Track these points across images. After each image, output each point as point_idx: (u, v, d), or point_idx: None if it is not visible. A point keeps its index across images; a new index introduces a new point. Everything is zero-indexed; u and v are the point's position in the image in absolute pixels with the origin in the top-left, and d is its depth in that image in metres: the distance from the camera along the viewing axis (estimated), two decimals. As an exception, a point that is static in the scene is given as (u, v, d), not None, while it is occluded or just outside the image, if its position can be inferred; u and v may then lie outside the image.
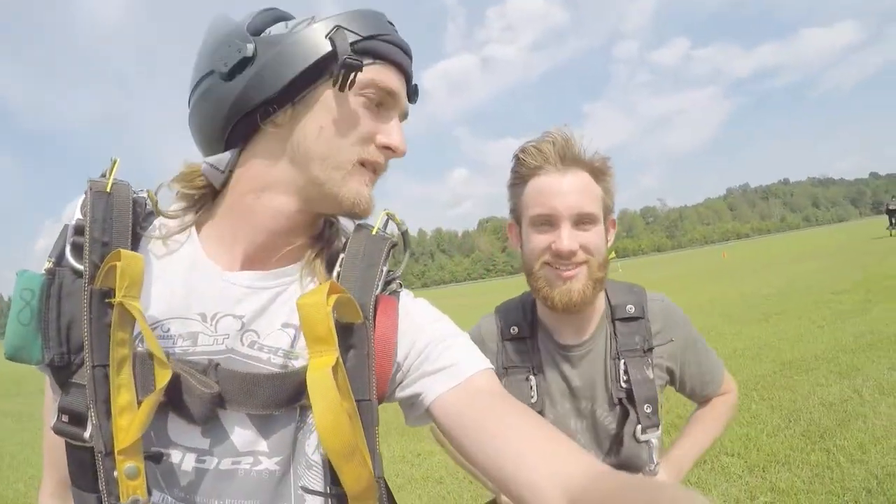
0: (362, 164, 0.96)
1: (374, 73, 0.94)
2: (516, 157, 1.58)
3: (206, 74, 0.94)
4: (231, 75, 0.91)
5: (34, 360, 0.86)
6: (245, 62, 0.90)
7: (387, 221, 1.06)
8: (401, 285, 1.04)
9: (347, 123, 0.93)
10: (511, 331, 1.69)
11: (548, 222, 1.51)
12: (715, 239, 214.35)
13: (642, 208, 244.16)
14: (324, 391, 0.81)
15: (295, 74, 0.89)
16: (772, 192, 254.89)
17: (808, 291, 14.03)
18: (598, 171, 1.54)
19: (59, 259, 0.88)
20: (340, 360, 0.85)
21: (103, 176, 0.94)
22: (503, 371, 1.66)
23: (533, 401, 1.59)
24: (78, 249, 0.87)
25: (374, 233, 1.02)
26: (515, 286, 1.82)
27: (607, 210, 1.57)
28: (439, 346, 0.96)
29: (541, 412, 1.57)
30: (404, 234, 1.06)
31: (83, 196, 0.90)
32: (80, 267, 0.86)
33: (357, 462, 0.83)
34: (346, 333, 0.90)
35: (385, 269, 0.99)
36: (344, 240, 1.04)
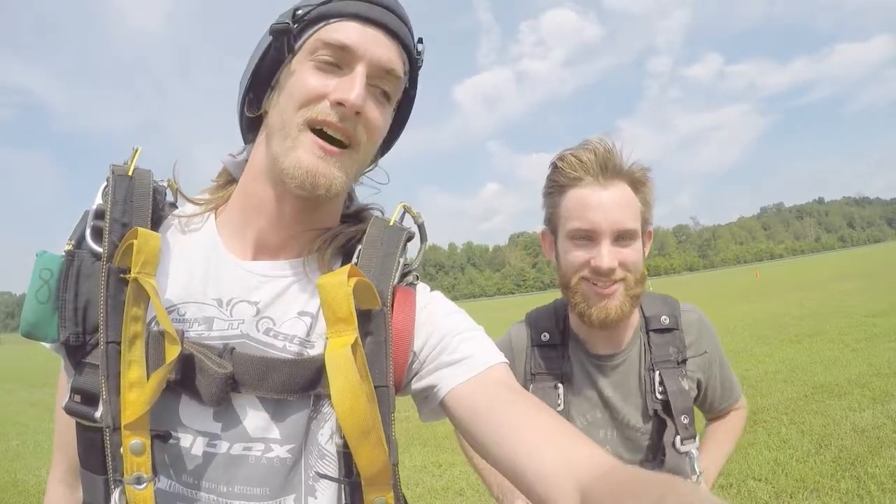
0: (311, 127, 0.91)
1: (324, 32, 0.93)
2: (554, 165, 1.56)
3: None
4: (242, 79, 1.01)
5: (49, 338, 0.87)
6: (251, 62, 0.99)
7: (403, 214, 1.05)
8: (417, 277, 1.03)
9: (296, 89, 0.92)
10: (542, 337, 1.68)
11: (587, 237, 1.48)
12: (748, 259, 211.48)
13: (675, 227, 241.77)
14: (343, 369, 0.81)
15: (256, 59, 0.96)
16: (806, 211, 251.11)
17: (842, 313, 13.76)
18: (638, 183, 1.51)
19: (79, 242, 0.89)
20: (359, 340, 0.85)
21: (125, 164, 0.96)
22: (530, 377, 1.65)
23: (560, 409, 1.58)
24: (98, 233, 0.88)
25: (390, 224, 1.02)
26: (547, 301, 1.80)
27: (645, 223, 1.55)
28: (455, 338, 0.96)
29: None
30: (420, 226, 1.05)
31: (104, 183, 0.92)
32: (99, 250, 0.87)
33: (373, 442, 0.82)
34: (365, 319, 0.90)
35: (402, 260, 0.99)
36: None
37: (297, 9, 0.94)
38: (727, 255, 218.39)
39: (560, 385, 1.61)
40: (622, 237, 1.47)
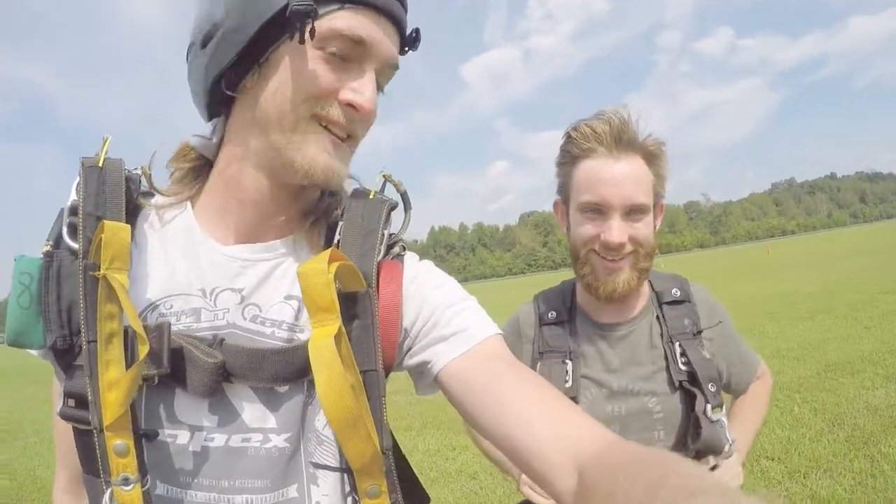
0: (318, 121, 0.87)
1: (338, 20, 0.84)
2: (568, 136, 1.54)
3: (189, 48, 0.93)
4: (205, 43, 0.88)
5: (36, 345, 0.85)
6: (216, 28, 0.86)
7: (384, 184, 1.02)
8: (404, 248, 1.00)
9: (302, 80, 0.85)
10: (549, 316, 1.68)
11: (597, 210, 1.48)
12: (759, 235, 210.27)
13: (685, 203, 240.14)
14: (326, 361, 0.79)
15: (251, 34, 0.83)
16: (818, 186, 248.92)
17: (854, 290, 13.69)
18: (652, 156, 1.50)
19: (57, 241, 0.86)
20: (343, 329, 0.83)
21: (97, 155, 0.92)
22: (538, 356, 1.65)
23: (567, 385, 1.57)
24: (74, 229, 0.85)
25: (371, 196, 0.99)
26: (558, 281, 1.80)
27: (658, 196, 1.54)
28: (447, 311, 0.93)
29: (574, 398, 1.55)
30: (403, 194, 1.02)
31: (77, 178, 0.88)
32: (76, 246, 0.84)
33: (360, 436, 0.81)
34: (349, 302, 0.87)
35: (386, 233, 0.95)
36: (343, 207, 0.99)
37: None
38: (739, 231, 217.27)
39: (568, 361, 1.60)
40: (633, 212, 1.46)
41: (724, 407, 1.53)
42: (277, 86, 0.86)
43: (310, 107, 0.86)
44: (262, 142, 0.89)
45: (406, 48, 0.96)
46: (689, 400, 1.54)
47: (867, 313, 10.40)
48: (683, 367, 1.53)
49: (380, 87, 0.93)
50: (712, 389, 1.50)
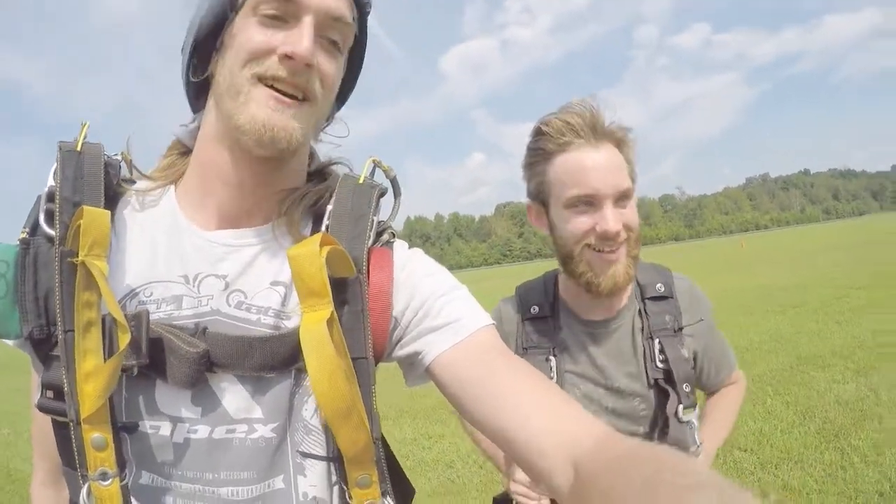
0: (262, 81, 0.86)
1: None
2: (538, 131, 1.51)
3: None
4: (183, 45, 0.94)
5: (12, 335, 0.83)
6: (188, 30, 0.92)
7: (374, 169, 1.00)
8: (394, 235, 0.99)
9: (241, 46, 0.86)
10: (532, 310, 1.66)
11: (588, 202, 1.44)
12: (733, 229, 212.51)
13: (660, 196, 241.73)
14: (319, 347, 0.77)
15: (200, 20, 0.89)
16: (792, 182, 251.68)
17: (827, 285, 13.88)
18: (622, 142, 1.48)
19: (34, 228, 0.84)
20: (335, 314, 0.81)
21: (75, 140, 0.91)
22: (522, 352, 1.62)
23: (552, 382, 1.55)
24: (51, 216, 0.83)
25: (360, 182, 0.97)
26: (535, 271, 1.79)
27: (633, 182, 1.52)
28: (439, 301, 0.92)
29: None
30: (393, 180, 1.01)
31: (55, 164, 0.86)
32: (53, 233, 0.83)
33: (353, 423, 0.80)
34: (340, 288, 0.86)
35: (375, 219, 0.94)
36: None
37: None
38: (713, 225, 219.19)
39: (552, 357, 1.58)
40: (622, 198, 1.44)
41: (696, 407, 1.52)
42: (226, 59, 0.88)
43: (250, 69, 0.86)
44: (220, 115, 0.90)
45: (366, 5, 0.97)
46: (662, 398, 1.53)
47: (838, 308, 10.56)
48: (661, 365, 1.52)
49: (337, 47, 0.93)
50: (686, 390, 1.50)
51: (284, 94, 0.87)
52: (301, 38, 0.84)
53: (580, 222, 1.45)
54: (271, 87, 0.86)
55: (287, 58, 0.84)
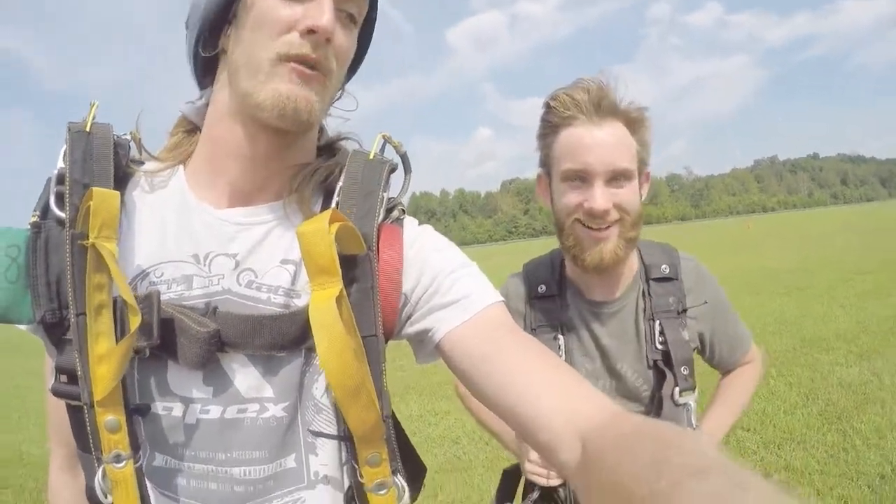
0: (285, 60, 0.84)
1: None
2: (547, 105, 1.50)
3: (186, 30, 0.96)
4: (188, 18, 0.93)
5: (25, 320, 0.82)
6: (194, 4, 0.91)
7: (384, 145, 0.98)
8: (403, 211, 0.97)
9: (261, 21, 0.84)
10: (539, 289, 1.65)
11: (580, 178, 1.44)
12: (740, 210, 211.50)
13: (668, 175, 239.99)
14: (328, 325, 0.76)
15: None
16: (800, 165, 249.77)
17: (832, 269, 13.86)
18: (634, 122, 1.47)
19: (45, 212, 0.83)
20: (344, 292, 0.81)
21: (84, 120, 0.89)
22: (531, 331, 1.61)
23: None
24: (61, 198, 0.82)
25: (371, 157, 0.95)
26: (540, 248, 1.79)
27: (642, 164, 1.51)
28: (448, 277, 0.90)
29: None
30: (403, 156, 0.98)
31: (64, 145, 0.85)
32: (63, 215, 0.82)
33: (364, 401, 0.79)
34: (349, 266, 0.84)
35: (386, 195, 0.92)
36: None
37: None
38: (720, 205, 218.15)
39: (560, 336, 1.59)
40: (616, 178, 1.43)
41: (695, 391, 1.52)
42: (243, 35, 0.86)
43: (274, 46, 0.84)
44: (236, 92, 0.89)
45: None
46: (660, 380, 1.54)
47: (843, 292, 10.55)
48: (659, 347, 1.52)
49: (352, 20, 0.92)
50: (684, 372, 1.49)
51: (304, 68, 0.86)
52: (322, 12, 0.83)
53: (571, 197, 1.46)
54: (291, 62, 0.85)
55: (309, 32, 0.83)
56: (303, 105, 0.84)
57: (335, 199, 0.92)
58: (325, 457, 0.89)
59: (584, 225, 1.45)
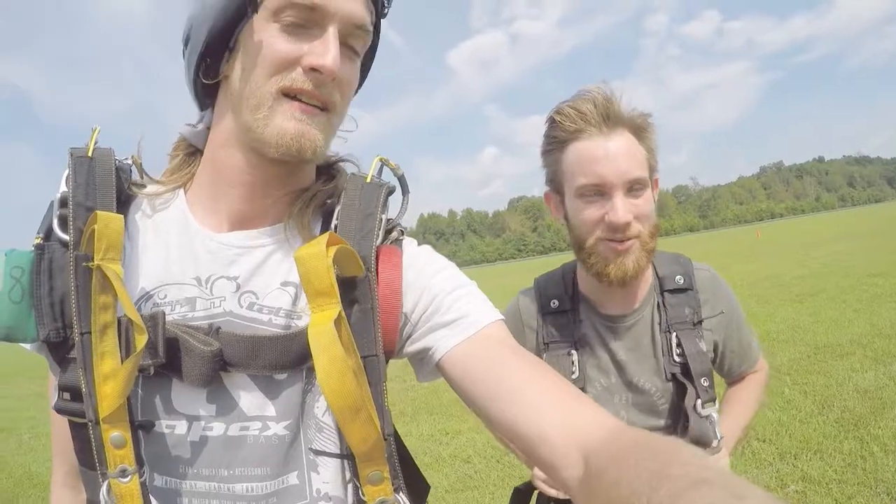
0: (286, 94, 0.86)
1: None
2: (551, 120, 1.49)
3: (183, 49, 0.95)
4: (187, 41, 0.92)
5: (29, 339, 0.84)
6: (192, 23, 0.90)
7: (381, 168, 1.00)
8: (402, 233, 0.99)
9: (263, 54, 0.85)
10: (551, 304, 1.64)
11: (598, 192, 1.42)
12: (748, 219, 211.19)
13: (674, 187, 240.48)
14: (326, 346, 0.78)
15: (214, 18, 0.86)
16: (806, 170, 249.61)
17: (843, 273, 13.73)
18: (641, 129, 1.46)
19: (48, 234, 0.86)
20: (343, 313, 0.82)
21: (86, 146, 0.92)
22: (543, 347, 1.61)
23: (574, 377, 1.55)
24: (64, 221, 0.85)
25: (368, 180, 0.97)
26: (553, 265, 1.78)
27: (652, 171, 1.50)
28: (448, 297, 0.92)
29: (582, 388, 1.53)
30: (401, 178, 1.00)
31: (66, 170, 0.88)
32: (67, 237, 0.84)
33: (363, 421, 0.80)
34: (349, 287, 0.87)
35: (384, 217, 0.94)
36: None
37: None
38: (727, 215, 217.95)
39: (574, 352, 1.57)
40: (633, 187, 1.41)
41: (716, 402, 1.51)
42: (244, 66, 0.87)
43: (275, 81, 0.85)
44: (238, 123, 0.90)
45: (383, 8, 0.96)
46: (680, 392, 1.52)
47: (856, 296, 10.44)
48: (678, 359, 1.51)
49: (355, 52, 0.93)
50: (705, 384, 1.48)
51: (307, 104, 0.87)
52: (327, 50, 0.84)
53: (591, 212, 1.44)
54: (294, 97, 0.86)
55: (313, 70, 0.84)
56: (307, 144, 0.87)
57: (334, 221, 0.95)
58: (328, 475, 0.90)
59: (606, 241, 1.44)
